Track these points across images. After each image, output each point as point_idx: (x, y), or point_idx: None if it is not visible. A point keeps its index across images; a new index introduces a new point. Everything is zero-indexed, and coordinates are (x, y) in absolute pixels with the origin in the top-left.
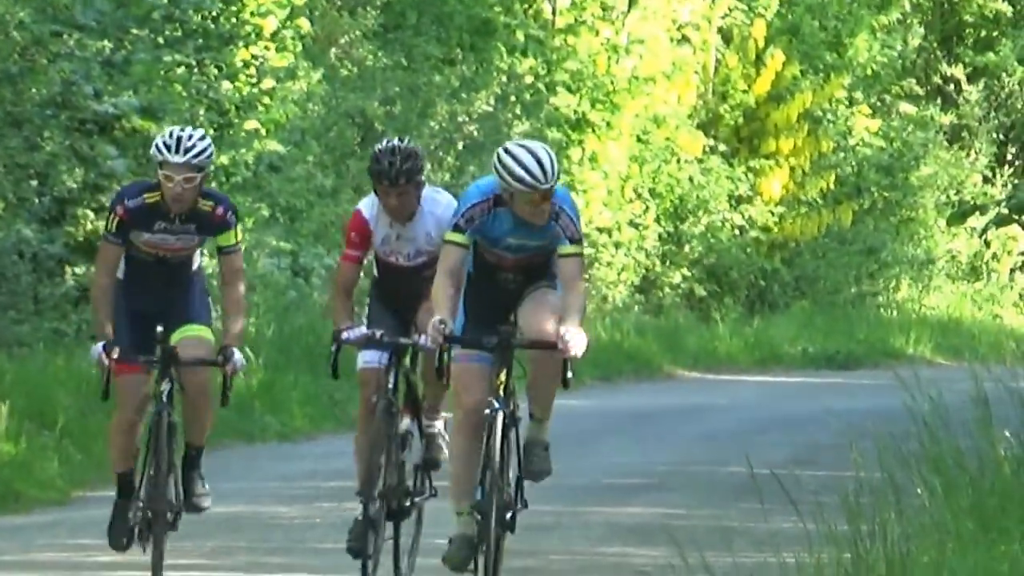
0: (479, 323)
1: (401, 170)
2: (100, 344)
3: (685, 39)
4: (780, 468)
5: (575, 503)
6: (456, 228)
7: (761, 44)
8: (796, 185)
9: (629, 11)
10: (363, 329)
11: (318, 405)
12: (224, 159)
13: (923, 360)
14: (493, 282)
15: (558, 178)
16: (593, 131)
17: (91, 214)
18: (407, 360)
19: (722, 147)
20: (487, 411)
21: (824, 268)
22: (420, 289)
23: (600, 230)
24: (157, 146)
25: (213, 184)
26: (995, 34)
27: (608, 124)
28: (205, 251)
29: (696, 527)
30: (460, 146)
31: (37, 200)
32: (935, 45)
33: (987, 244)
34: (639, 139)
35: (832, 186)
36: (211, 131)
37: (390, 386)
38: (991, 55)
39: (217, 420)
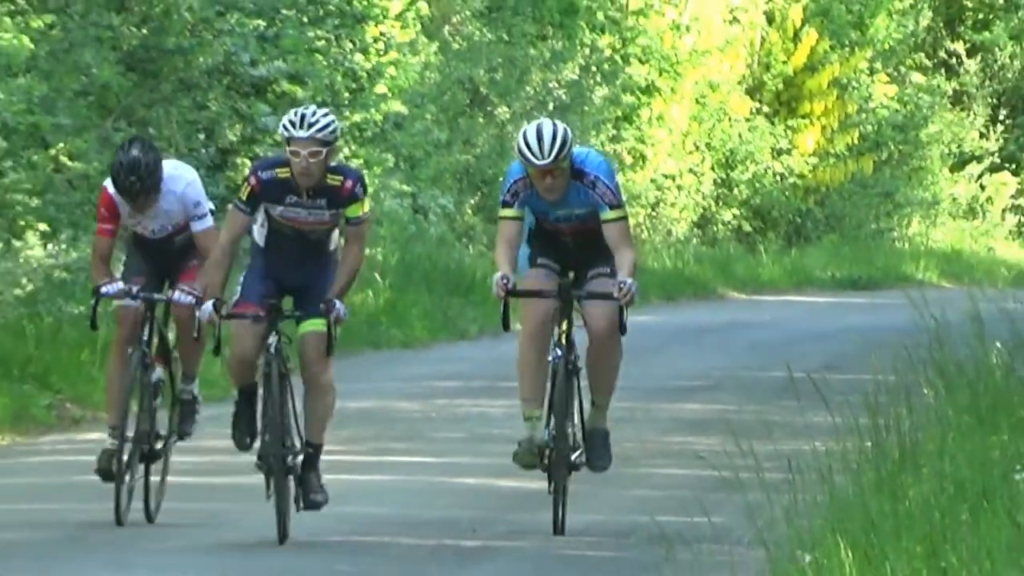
0: (544, 255)
1: (140, 189)
2: (211, 303)
3: (736, 20)
4: (813, 372)
5: (646, 401)
6: (505, 204)
7: (798, 24)
8: (826, 140)
9: None
10: (120, 284)
11: (435, 319)
12: (357, 118)
13: (930, 284)
14: (555, 240)
15: (561, 157)
16: (660, 95)
17: (248, 162)
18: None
19: (765, 109)
20: (550, 359)
21: (849, 208)
22: (172, 253)
23: (666, 176)
24: (284, 124)
25: (348, 140)
26: (990, 16)
27: (672, 90)
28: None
29: (744, 420)
30: (551, 107)
31: (204, 150)
32: (941, 25)
33: (982, 188)
34: (697, 102)
35: (856, 141)
36: (346, 95)
37: (144, 339)
38: (987, 33)
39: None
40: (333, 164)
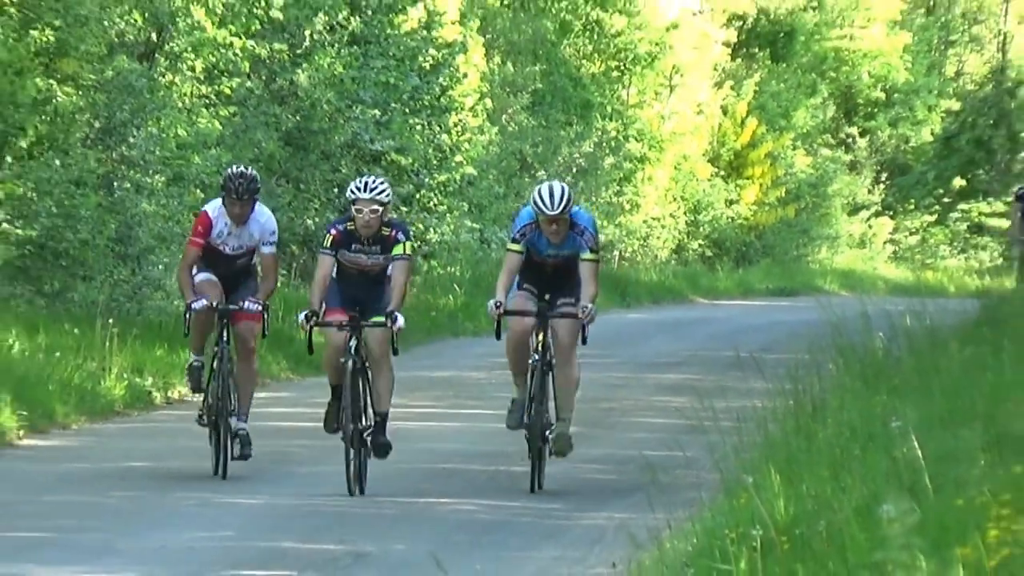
0: (528, 281)
1: (246, 189)
2: (304, 313)
3: (701, 112)
4: (753, 352)
5: (637, 372)
6: (514, 240)
7: (743, 115)
8: (763, 194)
9: (671, 95)
10: (204, 300)
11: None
12: (442, 178)
13: (833, 293)
14: (539, 269)
15: (565, 210)
16: (649, 163)
17: None
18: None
19: (721, 172)
20: (530, 361)
21: (778, 240)
22: (237, 270)
23: (653, 218)
24: (351, 189)
25: (434, 193)
26: (875, 110)
27: (657, 159)
28: None
29: (706, 386)
30: (574, 171)
31: (337, 200)
32: (841, 115)
33: (870, 227)
34: (675, 168)
35: (783, 194)
36: (435, 162)
37: (224, 338)
38: (872, 122)
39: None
40: (388, 219)
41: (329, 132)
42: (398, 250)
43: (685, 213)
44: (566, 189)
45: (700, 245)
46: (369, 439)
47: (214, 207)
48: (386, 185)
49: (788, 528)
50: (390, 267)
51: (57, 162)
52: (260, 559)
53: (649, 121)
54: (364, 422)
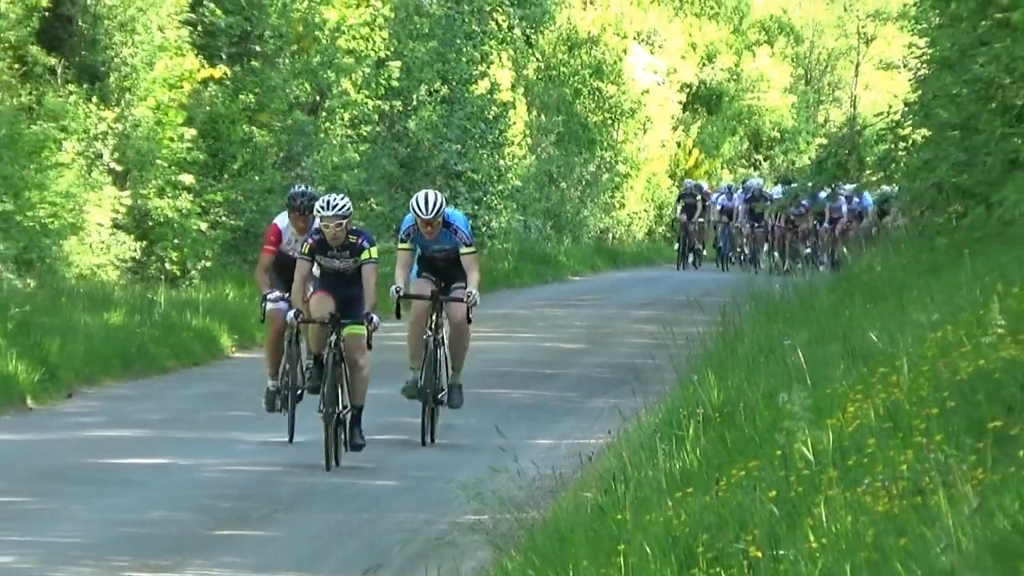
0: (426, 271)
1: (307, 206)
2: (294, 311)
3: (664, 145)
4: (698, 297)
5: (623, 309)
6: (402, 240)
7: (690, 147)
8: None
9: (644, 135)
10: (278, 293)
11: (535, 274)
12: (500, 188)
13: None
14: (432, 262)
15: (437, 215)
16: (631, 178)
17: (454, 206)
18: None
19: (676, 184)
20: (424, 337)
21: (710, 227)
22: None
23: (633, 213)
24: (317, 208)
25: (485, 195)
26: (773, 143)
27: (636, 175)
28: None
29: (669, 319)
30: (583, 183)
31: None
32: (752, 147)
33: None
34: (647, 181)
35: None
36: (495, 177)
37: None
38: (772, 151)
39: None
40: (354, 229)
41: (429, 159)
42: (365, 256)
43: (654, 209)
44: (439, 196)
45: (664, 230)
46: (347, 432)
47: (283, 220)
48: (346, 201)
49: (720, 408)
50: (362, 270)
51: (256, 178)
52: (381, 429)
53: (631, 152)
54: (339, 406)
